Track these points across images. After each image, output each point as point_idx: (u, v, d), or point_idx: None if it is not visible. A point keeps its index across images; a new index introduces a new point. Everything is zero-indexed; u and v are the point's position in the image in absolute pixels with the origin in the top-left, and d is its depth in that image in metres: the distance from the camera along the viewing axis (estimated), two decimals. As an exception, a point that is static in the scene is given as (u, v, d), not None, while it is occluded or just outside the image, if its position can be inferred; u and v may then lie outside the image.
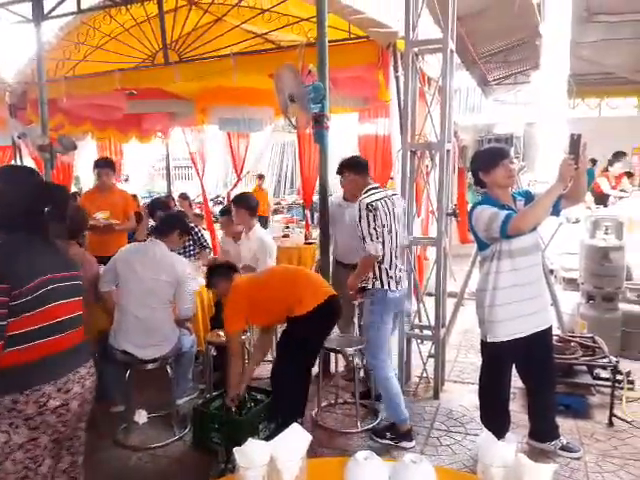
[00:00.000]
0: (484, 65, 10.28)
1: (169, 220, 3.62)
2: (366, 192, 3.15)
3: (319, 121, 3.78)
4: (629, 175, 7.99)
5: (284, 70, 4.00)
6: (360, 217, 3.02)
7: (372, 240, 3.01)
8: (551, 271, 5.26)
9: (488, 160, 2.78)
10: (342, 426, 3.28)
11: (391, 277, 3.10)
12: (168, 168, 9.41)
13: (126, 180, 12.62)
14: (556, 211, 2.74)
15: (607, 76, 10.94)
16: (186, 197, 7.27)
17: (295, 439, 1.33)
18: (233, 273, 3.21)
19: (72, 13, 5.17)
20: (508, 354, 2.78)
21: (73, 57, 5.44)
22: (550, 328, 2.82)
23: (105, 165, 5.05)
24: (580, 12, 7.63)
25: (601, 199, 6.98)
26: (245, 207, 4.04)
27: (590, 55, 9.59)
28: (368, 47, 4.66)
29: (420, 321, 4.16)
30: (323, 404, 3.49)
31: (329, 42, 3.99)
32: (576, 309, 4.42)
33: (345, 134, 8.03)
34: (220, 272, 3.23)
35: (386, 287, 3.08)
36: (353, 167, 3.41)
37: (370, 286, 3.10)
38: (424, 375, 3.84)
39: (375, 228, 3.01)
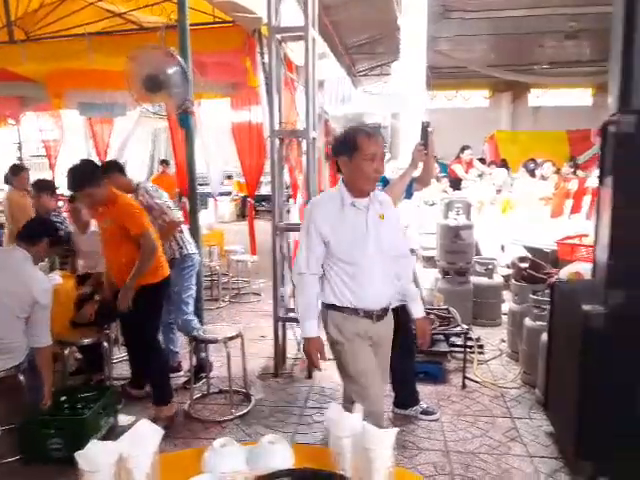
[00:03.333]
0: (352, 56, 10.67)
1: (37, 226, 3.12)
2: (137, 186, 3.55)
3: (183, 105, 3.67)
4: (482, 161, 8.80)
5: (145, 53, 3.80)
6: (152, 197, 3.48)
7: (171, 210, 3.51)
8: (412, 250, 5.64)
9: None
10: (217, 415, 3.26)
11: (189, 241, 3.63)
12: (21, 158, 8.54)
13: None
14: (409, 194, 2.95)
15: (461, 69, 11.98)
16: None
17: (145, 435, 1.30)
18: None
19: None
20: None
21: None
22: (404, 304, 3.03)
23: None
24: (436, 8, 8.21)
25: (456, 183, 7.64)
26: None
27: (446, 49, 10.41)
28: (234, 32, 4.58)
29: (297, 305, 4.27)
30: (197, 396, 3.44)
31: (193, 25, 3.87)
32: (434, 284, 4.81)
33: (218, 121, 7.89)
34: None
35: (192, 251, 3.62)
36: (120, 168, 3.63)
37: (178, 255, 3.57)
38: (299, 356, 3.95)
39: (164, 203, 3.52)
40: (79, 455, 1.20)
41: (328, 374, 3.78)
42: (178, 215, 3.63)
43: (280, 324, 3.92)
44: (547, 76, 12.07)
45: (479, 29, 9.79)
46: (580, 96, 13.87)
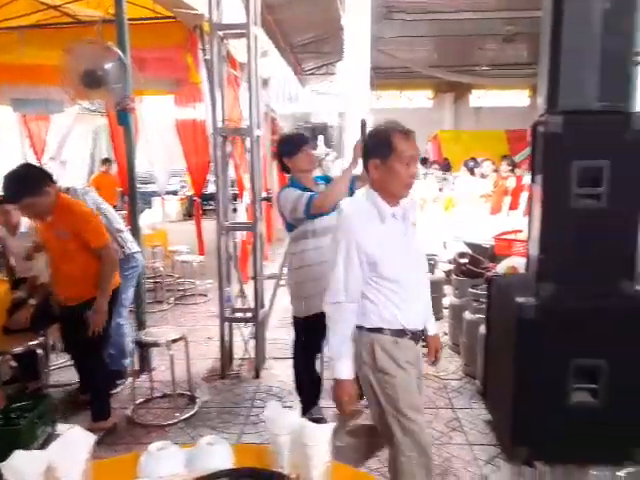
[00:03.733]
0: (298, 54, 10.68)
1: None
2: (67, 190, 3.46)
3: (122, 102, 3.58)
4: (424, 161, 9.02)
5: (82, 47, 3.67)
6: (87, 202, 3.35)
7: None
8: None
9: (290, 146, 2.93)
10: (161, 419, 3.20)
11: (131, 241, 3.58)
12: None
13: None
14: (351, 191, 2.99)
15: (405, 70, 12.23)
16: None
17: (75, 442, 1.26)
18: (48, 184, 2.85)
19: None
20: (315, 327, 2.96)
21: None
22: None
23: None
24: (379, 9, 8.33)
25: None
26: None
27: (390, 50, 10.59)
28: (175, 28, 4.53)
29: (244, 305, 4.24)
30: (140, 400, 3.35)
31: (132, 20, 3.80)
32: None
33: (164, 119, 7.72)
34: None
35: (135, 250, 3.57)
36: (50, 177, 3.44)
37: (121, 255, 3.46)
38: (246, 356, 3.93)
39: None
40: (4, 466, 1.15)
41: (275, 373, 3.80)
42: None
43: (226, 324, 3.89)
44: (487, 77, 12.51)
45: (421, 30, 10.02)
46: (518, 97, 14.46)
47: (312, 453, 1.31)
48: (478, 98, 14.91)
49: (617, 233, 2.48)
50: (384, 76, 12.09)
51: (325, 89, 11.78)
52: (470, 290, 3.69)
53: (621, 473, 2.52)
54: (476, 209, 6.52)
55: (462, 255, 4.32)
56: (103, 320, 2.91)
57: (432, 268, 4.85)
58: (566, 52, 2.50)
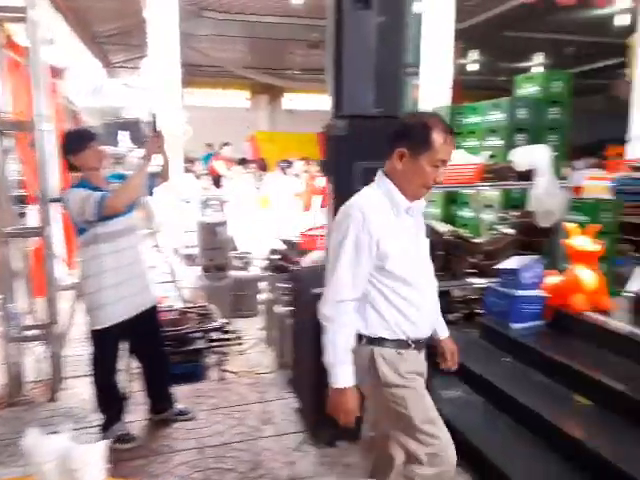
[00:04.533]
0: (104, 46, 9.95)
1: None
2: None
3: None
4: (242, 162, 9.09)
5: None
6: None
7: None
8: (175, 250, 5.56)
9: (75, 143, 2.71)
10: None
11: None
12: None
13: None
14: (150, 190, 2.87)
15: (219, 69, 12.20)
16: None
17: None
18: None
19: None
20: (115, 338, 2.79)
21: None
22: (154, 307, 2.95)
23: None
24: (189, 6, 8.16)
25: (217, 180, 7.77)
26: None
27: (204, 47, 10.45)
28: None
29: (36, 321, 3.79)
30: None
31: None
32: (197, 282, 4.81)
33: None
34: None
35: None
36: None
37: None
38: (40, 379, 3.52)
39: None
40: None
41: (76, 393, 3.47)
42: None
43: (14, 345, 3.43)
44: (297, 81, 13.09)
45: (234, 31, 10.09)
46: (328, 101, 15.40)
47: (81, 476, 1.22)
48: (290, 101, 15.51)
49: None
50: (201, 74, 11.90)
51: (136, 83, 11.15)
52: (276, 285, 3.81)
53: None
54: (291, 207, 6.78)
55: (274, 252, 4.45)
56: None
57: (247, 266, 4.92)
58: (347, 62, 2.73)
